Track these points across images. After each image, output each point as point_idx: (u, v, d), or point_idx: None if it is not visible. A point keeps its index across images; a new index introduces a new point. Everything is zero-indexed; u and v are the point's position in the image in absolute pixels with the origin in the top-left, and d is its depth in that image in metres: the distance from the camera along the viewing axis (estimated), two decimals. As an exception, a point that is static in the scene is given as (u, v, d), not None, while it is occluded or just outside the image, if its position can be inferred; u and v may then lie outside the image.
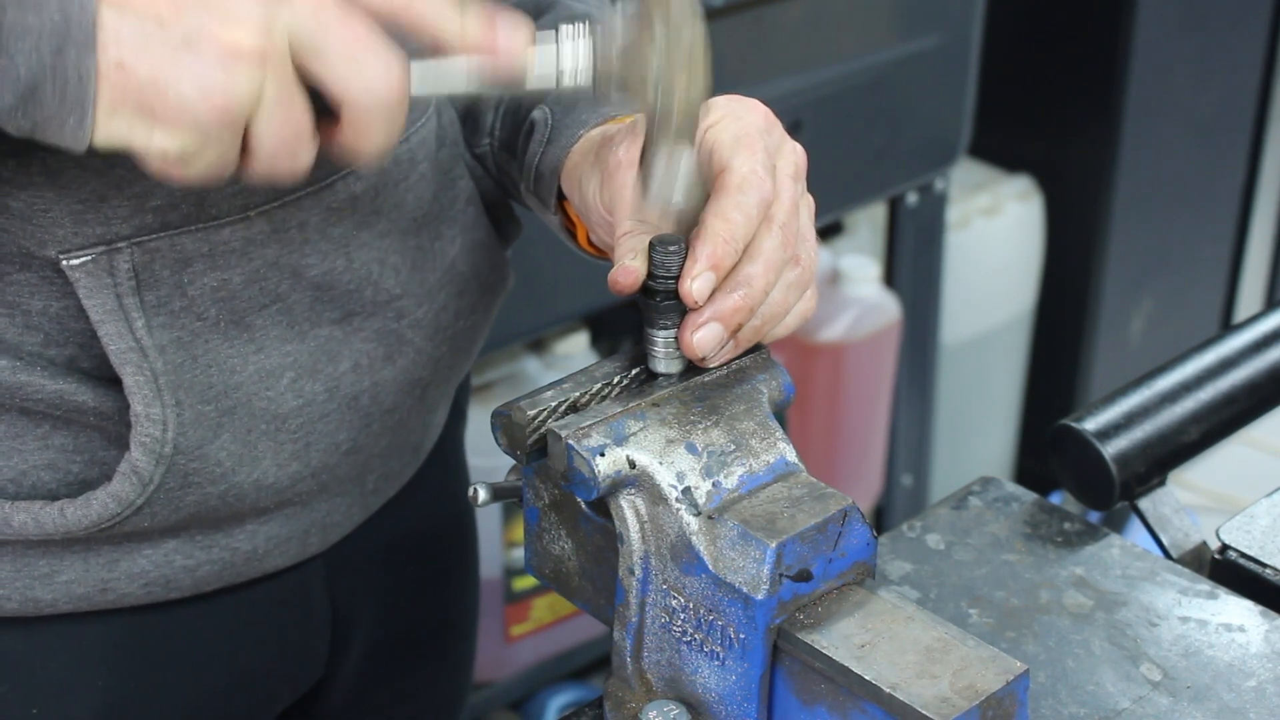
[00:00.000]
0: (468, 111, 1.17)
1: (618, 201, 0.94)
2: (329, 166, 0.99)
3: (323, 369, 1.05)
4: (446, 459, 1.28)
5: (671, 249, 0.89)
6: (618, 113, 1.03)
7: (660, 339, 0.91)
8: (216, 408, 1.00)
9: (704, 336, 0.90)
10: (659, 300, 0.90)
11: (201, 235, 0.97)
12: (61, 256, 0.94)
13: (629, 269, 0.90)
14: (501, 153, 1.14)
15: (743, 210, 0.90)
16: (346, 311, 1.05)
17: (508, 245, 1.22)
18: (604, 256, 1.01)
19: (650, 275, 0.90)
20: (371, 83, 0.82)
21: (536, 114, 1.07)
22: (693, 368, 0.92)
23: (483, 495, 0.96)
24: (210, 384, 1.00)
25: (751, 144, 0.92)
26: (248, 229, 0.98)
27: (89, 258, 0.94)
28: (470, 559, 1.34)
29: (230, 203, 0.97)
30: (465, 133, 1.16)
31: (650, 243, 0.90)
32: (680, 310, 0.90)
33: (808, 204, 0.96)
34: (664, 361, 0.92)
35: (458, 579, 1.32)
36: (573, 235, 1.06)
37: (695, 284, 0.89)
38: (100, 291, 0.95)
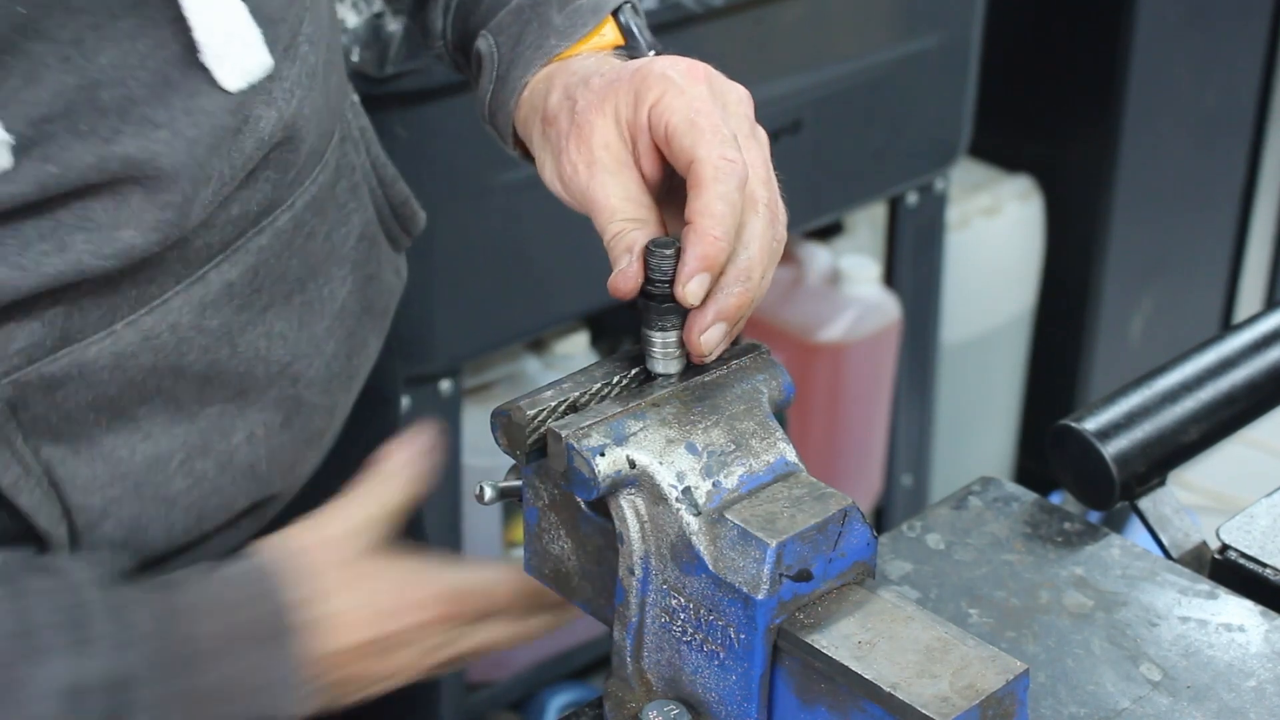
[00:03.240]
0: (415, 13, 1.15)
1: (591, 203, 0.93)
2: (196, 257, 0.97)
3: (214, 446, 1.02)
4: (383, 394, 1.26)
5: (666, 252, 0.89)
6: (557, 49, 1.01)
7: (659, 340, 0.91)
8: (102, 497, 0.98)
9: (709, 337, 0.90)
10: (658, 303, 0.90)
11: (69, 359, 0.94)
12: None
13: (628, 274, 0.90)
14: (457, 54, 1.12)
15: (726, 200, 0.88)
16: (238, 390, 1.03)
17: (408, 241, 1.21)
18: None
19: (647, 279, 0.90)
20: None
21: (482, 45, 1.05)
22: (691, 367, 0.92)
23: (489, 493, 0.96)
24: (95, 475, 0.98)
25: (710, 123, 0.89)
26: (115, 343, 0.95)
27: None
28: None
29: (95, 318, 0.94)
30: (418, 36, 1.14)
31: (645, 246, 0.90)
32: (679, 311, 0.90)
33: (760, 138, 0.94)
34: (662, 362, 0.92)
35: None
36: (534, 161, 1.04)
37: (690, 287, 0.88)
38: None
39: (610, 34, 1.02)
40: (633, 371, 0.93)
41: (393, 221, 1.20)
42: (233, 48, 0.92)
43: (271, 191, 1.01)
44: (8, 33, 0.84)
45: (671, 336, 0.91)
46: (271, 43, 0.96)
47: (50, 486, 0.96)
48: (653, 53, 1.02)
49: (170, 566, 1.04)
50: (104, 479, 0.98)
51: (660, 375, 0.92)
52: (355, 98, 1.20)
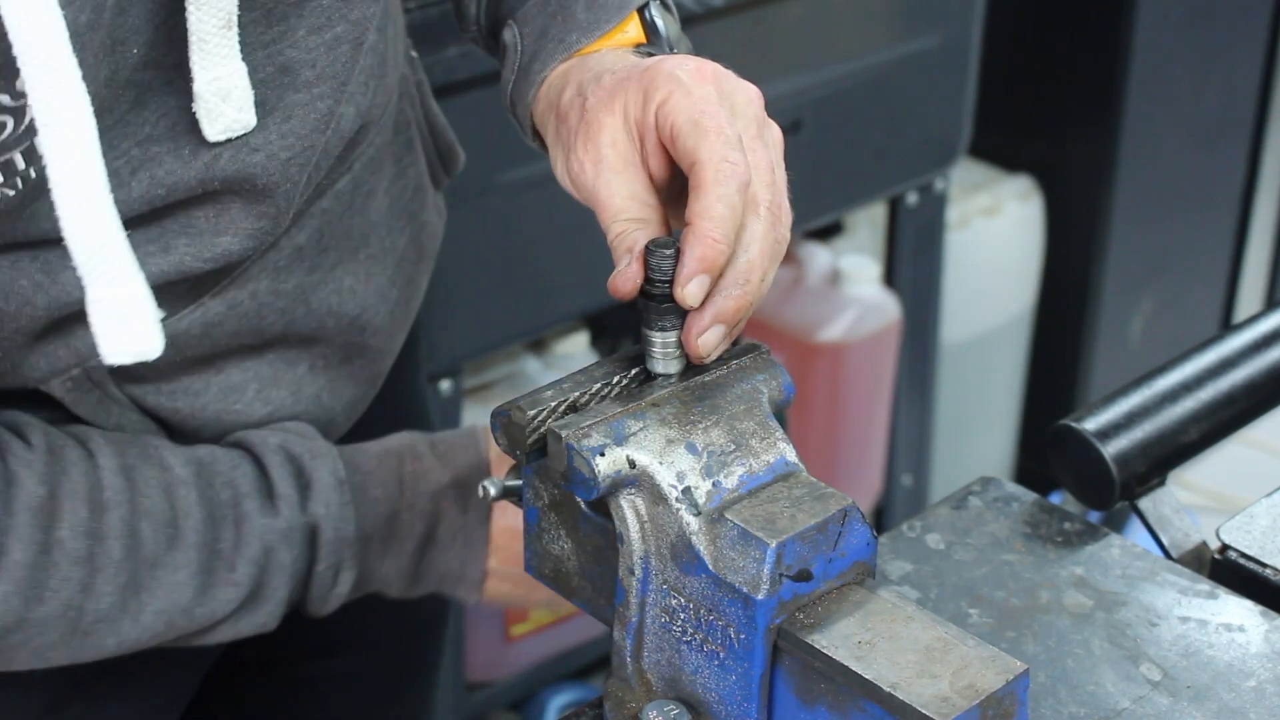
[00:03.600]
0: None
1: (596, 202, 0.93)
2: (263, 233, 1.01)
3: (283, 376, 1.08)
4: (413, 332, 1.30)
5: (666, 253, 0.89)
6: (579, 44, 1.01)
7: (659, 340, 0.91)
8: (189, 424, 1.05)
9: (708, 339, 0.90)
10: (658, 303, 0.90)
11: (165, 333, 1.00)
12: (41, 385, 1.00)
13: (627, 274, 0.90)
14: (489, 40, 1.13)
15: (725, 202, 0.87)
16: (309, 339, 1.08)
17: (448, 181, 1.24)
18: None
19: (647, 279, 0.90)
20: None
21: (507, 36, 1.05)
22: (691, 367, 0.92)
23: (492, 491, 0.96)
24: (177, 408, 1.04)
25: (714, 124, 0.89)
26: (204, 315, 1.01)
27: (69, 382, 1.00)
28: None
29: (185, 297, 1.00)
30: (455, 19, 1.16)
31: (646, 246, 0.90)
32: (679, 311, 0.90)
33: (773, 136, 0.94)
34: (662, 362, 0.92)
35: None
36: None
37: (689, 289, 0.88)
38: (83, 403, 1.01)
39: (634, 30, 1.02)
40: (633, 371, 0.93)
41: (438, 165, 1.24)
42: (226, 108, 0.94)
43: (334, 162, 1.05)
44: (128, 74, 0.89)
45: (671, 336, 0.91)
46: (346, 42, 0.99)
47: (144, 420, 1.04)
48: (675, 52, 1.02)
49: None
50: (185, 411, 1.05)
51: (660, 375, 0.92)
52: (414, 53, 1.22)
